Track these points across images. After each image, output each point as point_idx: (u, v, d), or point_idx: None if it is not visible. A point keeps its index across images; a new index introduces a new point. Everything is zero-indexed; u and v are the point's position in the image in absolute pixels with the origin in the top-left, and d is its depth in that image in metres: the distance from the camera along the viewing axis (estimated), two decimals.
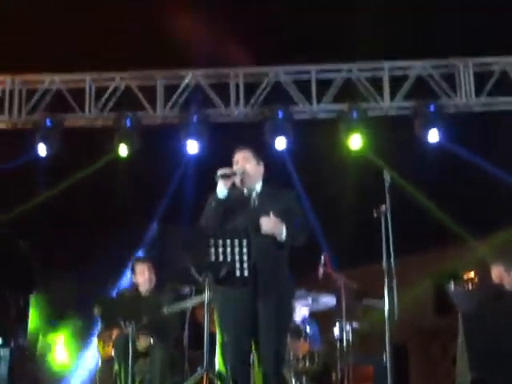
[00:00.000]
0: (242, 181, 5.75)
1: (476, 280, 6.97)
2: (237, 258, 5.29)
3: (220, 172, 5.66)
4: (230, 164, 5.88)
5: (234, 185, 5.74)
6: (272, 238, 5.57)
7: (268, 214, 5.56)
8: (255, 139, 9.80)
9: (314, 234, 9.84)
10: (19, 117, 10.14)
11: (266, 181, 5.94)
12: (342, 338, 8.11)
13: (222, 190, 5.65)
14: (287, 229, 5.57)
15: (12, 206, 9.53)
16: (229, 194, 5.66)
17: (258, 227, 5.58)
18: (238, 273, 5.31)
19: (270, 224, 5.54)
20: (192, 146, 9.93)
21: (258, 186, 5.87)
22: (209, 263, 5.28)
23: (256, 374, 5.66)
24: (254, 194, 5.83)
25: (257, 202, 5.79)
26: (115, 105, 10.09)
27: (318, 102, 10.06)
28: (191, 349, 7.19)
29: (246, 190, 5.82)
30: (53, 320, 9.19)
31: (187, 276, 5.30)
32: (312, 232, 5.97)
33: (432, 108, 9.82)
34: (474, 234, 11.03)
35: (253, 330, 5.57)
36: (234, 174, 5.69)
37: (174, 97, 10.09)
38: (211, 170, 5.76)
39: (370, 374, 8.51)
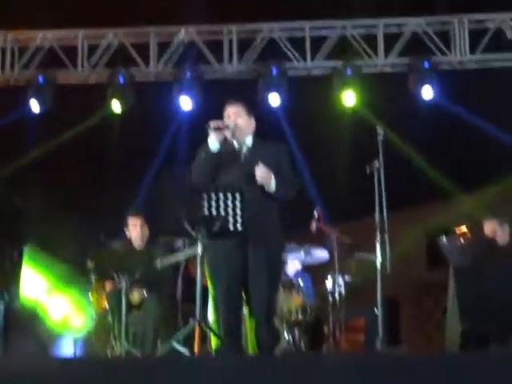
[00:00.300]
0: (233, 134, 5.79)
1: (468, 234, 7.02)
2: (230, 212, 5.35)
3: (212, 124, 5.69)
4: (222, 119, 5.91)
5: (225, 139, 5.78)
6: (262, 191, 5.62)
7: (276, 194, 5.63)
8: (249, 96, 9.78)
9: (304, 189, 9.91)
10: (12, 73, 10.09)
11: (256, 135, 5.96)
12: (334, 292, 8.18)
13: (213, 142, 5.68)
14: (276, 181, 5.61)
15: (4, 162, 9.52)
16: (220, 147, 5.69)
17: (248, 180, 5.63)
18: (231, 227, 5.37)
19: (262, 173, 5.58)
20: (185, 103, 9.93)
21: (249, 140, 5.90)
22: (202, 217, 5.34)
23: (248, 326, 5.73)
24: (244, 148, 5.86)
25: (247, 156, 5.82)
26: (108, 61, 10.04)
27: (312, 58, 10.03)
28: (184, 302, 7.25)
29: (236, 144, 5.85)
30: (48, 273, 9.26)
31: (181, 230, 5.35)
32: (302, 186, 6.03)
33: (426, 65, 9.80)
34: (465, 189, 11.08)
35: (244, 283, 5.65)
36: (227, 127, 5.72)
37: (168, 53, 10.05)
38: (205, 126, 5.79)
39: (361, 326, 8.60)
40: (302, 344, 8.11)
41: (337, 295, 8.11)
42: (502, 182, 11.08)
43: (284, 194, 5.71)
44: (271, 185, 5.61)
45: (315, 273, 8.84)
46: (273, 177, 5.61)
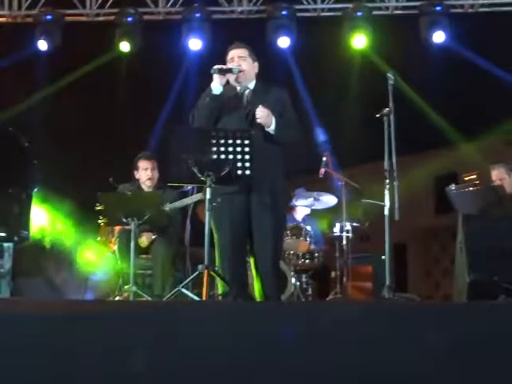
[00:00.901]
0: (237, 78, 5.73)
1: (477, 181, 6.98)
2: (238, 156, 5.32)
3: (217, 66, 5.63)
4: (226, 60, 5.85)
5: (227, 82, 5.73)
6: (264, 134, 5.58)
7: (277, 137, 5.58)
8: (258, 37, 9.68)
9: (307, 135, 9.87)
10: (19, 11, 9.98)
11: (260, 78, 5.90)
12: (342, 237, 8.21)
13: (217, 85, 5.64)
14: (277, 123, 5.56)
15: (12, 101, 9.48)
16: (223, 90, 5.65)
17: (250, 123, 5.59)
18: (239, 171, 5.35)
19: (262, 113, 5.53)
20: (194, 43, 9.85)
21: (252, 84, 5.83)
22: (210, 162, 5.32)
23: (254, 274, 5.74)
24: (246, 92, 5.80)
25: (249, 99, 5.76)
26: (117, 0, 9.92)
27: (323, 0, 9.91)
28: (192, 245, 7.28)
29: (239, 88, 5.79)
30: (58, 214, 9.29)
31: (189, 175, 5.33)
32: (304, 133, 5.93)
33: (438, 8, 9.68)
34: (472, 136, 11.03)
35: (248, 229, 5.63)
36: (231, 70, 5.66)
37: None
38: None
39: (369, 273, 8.65)
40: (310, 289, 8.17)
41: (344, 241, 8.13)
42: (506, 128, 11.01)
43: (286, 136, 5.64)
44: (271, 126, 5.56)
45: (323, 218, 8.87)
46: (273, 118, 5.56)
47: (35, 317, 3.72)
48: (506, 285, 5.53)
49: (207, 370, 3.59)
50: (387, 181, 6.14)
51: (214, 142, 5.33)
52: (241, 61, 5.77)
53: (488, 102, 10.49)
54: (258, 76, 5.91)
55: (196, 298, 5.57)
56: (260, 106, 5.56)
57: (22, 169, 6.32)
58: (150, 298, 6.63)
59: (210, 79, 5.71)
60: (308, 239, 8.20)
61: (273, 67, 6.00)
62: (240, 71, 5.69)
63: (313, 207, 8.55)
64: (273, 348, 3.89)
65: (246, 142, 5.32)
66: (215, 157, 5.33)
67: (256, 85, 5.83)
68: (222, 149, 5.33)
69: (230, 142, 5.32)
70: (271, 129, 5.57)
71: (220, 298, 5.62)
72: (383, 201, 6.38)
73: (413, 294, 9.76)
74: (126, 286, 6.75)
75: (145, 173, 7.44)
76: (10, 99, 9.42)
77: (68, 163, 9.54)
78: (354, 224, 8.34)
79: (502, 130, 11.01)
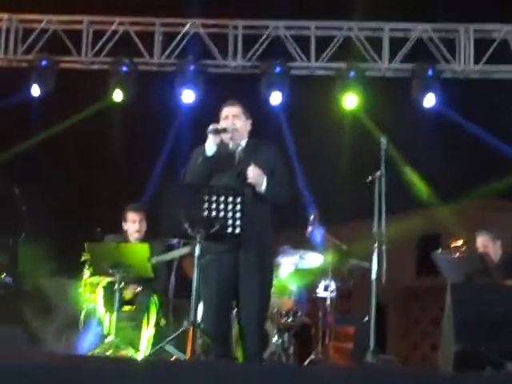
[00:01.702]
0: (231, 137, 5.75)
1: (463, 248, 7.01)
2: (229, 214, 5.33)
3: (212, 127, 5.64)
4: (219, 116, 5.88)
5: (221, 140, 5.75)
6: (254, 193, 5.59)
7: (267, 195, 5.60)
8: (251, 92, 9.77)
9: (299, 194, 9.91)
10: (15, 55, 10.03)
11: (251, 135, 5.93)
12: (326, 297, 8.18)
13: (211, 146, 5.63)
14: (268, 182, 5.58)
15: (3, 145, 9.48)
16: (216, 150, 5.66)
17: (242, 181, 5.59)
18: (229, 230, 5.35)
19: (254, 173, 5.55)
20: (187, 96, 9.90)
21: (244, 142, 5.84)
22: (201, 218, 5.32)
23: (239, 331, 5.71)
24: (238, 149, 5.81)
25: (241, 157, 5.77)
26: (112, 49, 9.99)
27: (317, 59, 10.02)
28: (176, 297, 7.23)
29: (231, 145, 5.80)
30: (41, 262, 9.22)
31: (179, 230, 5.33)
32: (295, 191, 5.96)
33: (430, 72, 9.80)
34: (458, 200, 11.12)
35: (235, 288, 5.60)
36: (225, 130, 5.67)
37: (172, 45, 10.01)
38: (206, 120, 5.75)
39: (351, 334, 8.60)
40: (291, 348, 8.11)
41: (328, 301, 8.10)
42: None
43: (276, 195, 5.64)
44: (262, 185, 5.58)
45: (308, 277, 8.84)
46: (264, 177, 5.58)
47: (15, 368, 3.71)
48: (493, 356, 5.51)
49: None
50: (376, 244, 6.16)
51: (206, 198, 5.34)
52: (235, 119, 5.79)
53: (475, 166, 10.60)
54: (250, 133, 5.94)
55: (180, 353, 5.52)
56: (252, 165, 5.57)
57: (10, 216, 6.30)
58: (131, 352, 6.58)
59: (203, 133, 5.72)
60: (292, 297, 8.16)
61: (265, 124, 6.01)
62: (234, 130, 5.72)
63: (298, 266, 8.52)
64: None
65: (238, 199, 5.34)
66: (206, 213, 5.33)
67: (248, 143, 5.84)
68: (214, 206, 5.33)
69: (222, 199, 5.33)
70: (262, 189, 5.59)
71: (203, 356, 5.59)
72: (369, 261, 6.39)
73: (391, 354, 9.73)
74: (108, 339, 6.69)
75: (133, 225, 7.40)
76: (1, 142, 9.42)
77: (56, 211, 9.51)
78: (339, 284, 8.31)
79: (481, 194, 11.10)
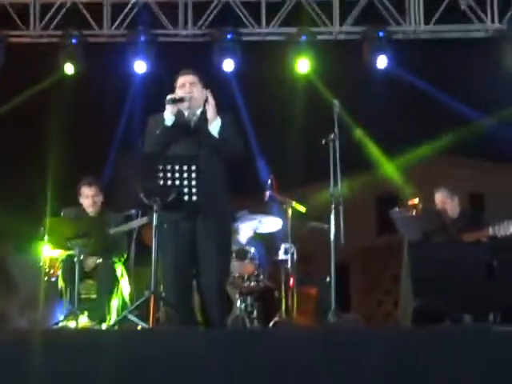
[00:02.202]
0: (188, 106, 5.75)
1: (419, 205, 7.08)
2: (185, 183, 5.35)
3: (170, 96, 5.64)
4: (174, 86, 5.87)
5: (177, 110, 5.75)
6: (211, 158, 5.60)
7: (207, 135, 5.60)
8: (203, 60, 9.74)
9: (251, 156, 9.96)
10: None
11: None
12: (287, 260, 8.24)
13: (169, 116, 5.64)
14: (221, 128, 5.63)
15: None
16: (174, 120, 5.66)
17: (198, 149, 5.62)
18: (186, 197, 5.38)
19: (211, 108, 5.60)
20: (139, 66, 9.83)
21: (199, 111, 5.85)
22: (157, 188, 5.34)
23: (199, 298, 5.75)
24: (194, 118, 5.82)
25: (197, 125, 5.78)
26: (60, 22, 9.86)
27: (268, 24, 9.99)
28: (136, 267, 7.25)
29: (186, 114, 5.80)
30: None
31: (136, 201, 5.35)
32: (243, 147, 5.94)
33: (381, 33, 9.83)
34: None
35: (193, 254, 5.63)
36: (182, 99, 5.67)
37: (122, 15, 9.91)
38: (158, 90, 5.75)
39: (313, 295, 8.70)
40: (255, 312, 8.18)
41: (289, 263, 8.17)
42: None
43: (228, 143, 5.66)
44: (217, 122, 5.62)
45: (268, 241, 8.90)
46: (219, 119, 5.61)
47: None
48: (451, 310, 5.63)
49: None
50: (333, 205, 6.22)
51: (161, 167, 5.35)
52: (192, 87, 5.79)
53: (428, 125, 10.70)
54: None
55: (142, 323, 5.55)
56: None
57: None
58: (94, 323, 6.61)
59: (156, 103, 5.72)
60: (253, 261, 8.22)
61: (217, 91, 6.00)
62: (191, 98, 5.71)
63: (257, 230, 8.58)
64: (217, 375, 3.93)
65: (193, 167, 5.36)
66: (162, 182, 5.35)
67: (203, 111, 5.84)
68: (169, 175, 5.36)
69: (177, 168, 5.35)
70: (215, 128, 5.61)
71: (165, 324, 5.63)
72: (327, 223, 6.47)
73: (355, 313, 9.85)
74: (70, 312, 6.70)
75: (86, 200, 7.38)
76: None
77: (13, 188, 9.44)
78: (299, 246, 8.37)
79: (435, 149, 11.23)
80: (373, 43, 9.89)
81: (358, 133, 9.24)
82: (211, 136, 5.66)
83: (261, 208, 8.71)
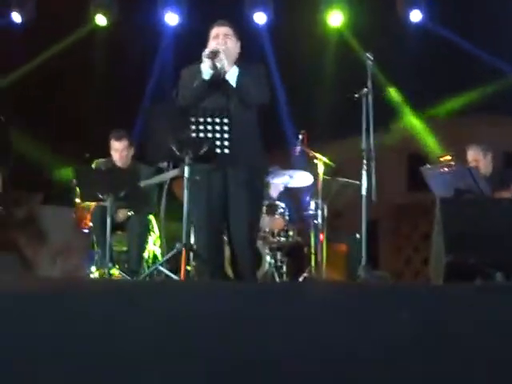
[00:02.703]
0: (222, 58, 5.67)
1: (452, 162, 7.01)
2: (217, 135, 5.32)
3: (208, 50, 5.56)
4: (207, 36, 5.81)
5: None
6: (242, 110, 5.56)
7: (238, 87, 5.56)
8: (234, 12, 9.65)
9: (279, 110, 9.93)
10: None
11: (239, 58, 5.87)
12: (317, 215, 8.23)
13: (207, 70, 5.57)
14: (241, 73, 5.56)
15: None
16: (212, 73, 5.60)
17: (226, 100, 5.58)
18: (218, 150, 5.35)
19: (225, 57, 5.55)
20: (171, 18, 9.79)
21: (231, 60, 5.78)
22: (190, 140, 5.31)
23: (230, 251, 5.74)
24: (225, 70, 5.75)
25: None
26: None
27: None
28: (168, 220, 7.27)
29: (219, 66, 5.71)
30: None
31: (168, 153, 5.33)
32: (269, 93, 5.86)
33: None
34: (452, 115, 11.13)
35: (224, 207, 5.62)
36: (219, 51, 5.59)
37: None
38: (190, 42, 5.69)
39: (343, 251, 8.71)
40: (284, 267, 8.21)
41: (319, 219, 8.15)
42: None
43: (249, 90, 5.56)
44: (233, 75, 5.55)
45: (298, 196, 8.88)
46: (235, 69, 5.56)
47: (5, 295, 3.73)
48: (483, 267, 5.60)
49: (181, 350, 3.63)
50: (365, 161, 6.17)
51: (193, 120, 5.31)
52: (226, 39, 5.73)
53: (464, 80, 10.56)
54: (239, 55, 5.88)
55: (173, 275, 5.58)
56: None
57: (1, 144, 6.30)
58: (125, 275, 6.65)
59: (188, 54, 5.66)
60: (283, 217, 8.22)
61: (249, 45, 5.95)
62: (225, 50, 5.64)
63: (288, 185, 8.56)
64: (250, 329, 3.94)
65: (225, 120, 5.32)
66: (194, 135, 5.32)
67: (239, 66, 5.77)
68: (201, 127, 5.32)
69: (209, 120, 5.31)
70: (232, 77, 5.55)
71: (197, 276, 5.65)
72: (359, 179, 6.42)
73: (384, 270, 9.85)
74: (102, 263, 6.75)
75: (115, 153, 7.39)
76: None
77: (44, 139, 9.46)
78: (329, 202, 8.34)
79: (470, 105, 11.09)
80: None
81: (391, 90, 9.16)
82: (229, 84, 5.62)
83: (290, 163, 8.68)
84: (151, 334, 3.72)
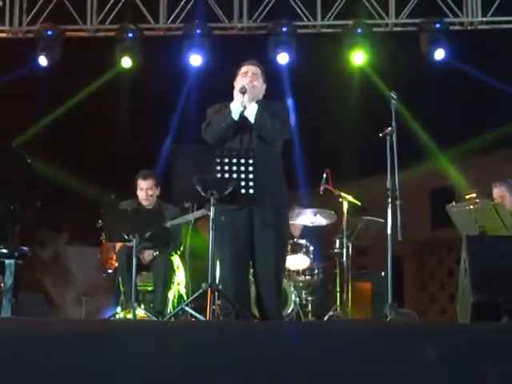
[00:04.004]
0: (249, 97, 5.72)
1: (477, 199, 6.99)
2: (242, 176, 5.34)
3: (241, 87, 5.61)
4: (233, 77, 5.87)
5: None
6: (268, 149, 5.60)
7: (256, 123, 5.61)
8: (257, 53, 9.72)
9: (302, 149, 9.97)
10: (20, 26, 9.99)
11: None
12: (342, 254, 8.22)
13: (238, 107, 5.63)
14: (260, 109, 5.63)
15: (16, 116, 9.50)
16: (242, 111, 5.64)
17: (248, 139, 5.64)
18: (243, 190, 5.37)
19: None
20: (195, 59, 9.87)
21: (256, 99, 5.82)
22: (215, 181, 5.33)
23: (256, 290, 5.74)
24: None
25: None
26: (117, 16, 9.93)
27: (323, 17, 9.94)
28: (193, 260, 7.29)
29: (243, 105, 5.75)
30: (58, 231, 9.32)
31: (193, 194, 5.35)
32: (288, 129, 5.91)
33: (438, 25, 9.74)
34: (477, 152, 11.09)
35: (250, 246, 5.63)
36: (246, 89, 5.64)
37: (178, 9, 9.95)
38: (214, 82, 5.74)
39: (368, 289, 8.67)
40: (309, 306, 8.19)
41: (344, 257, 8.14)
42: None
43: (266, 124, 5.62)
44: (251, 112, 5.61)
45: (323, 235, 8.88)
46: (254, 105, 5.62)
47: (38, 336, 3.74)
48: (510, 306, 5.55)
49: None
50: (389, 199, 6.16)
51: (218, 160, 5.34)
52: (254, 78, 5.79)
53: (487, 117, 10.54)
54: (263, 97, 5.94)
55: (198, 315, 5.57)
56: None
57: (25, 185, 6.33)
58: (151, 315, 6.66)
59: (212, 93, 5.70)
60: (307, 255, 8.22)
61: (272, 84, 6.00)
62: (253, 87, 5.70)
63: (312, 224, 8.56)
64: (275, 367, 3.92)
65: (250, 161, 5.34)
66: (219, 175, 5.34)
67: (259, 103, 5.81)
68: (226, 168, 5.34)
69: (234, 161, 5.34)
70: (250, 113, 5.60)
71: (222, 316, 5.64)
72: (384, 217, 6.40)
73: (409, 308, 9.78)
74: (127, 303, 6.76)
75: (141, 192, 7.45)
76: (12, 115, 9.43)
77: (70, 180, 9.55)
78: (354, 240, 8.34)
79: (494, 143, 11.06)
80: (430, 35, 9.79)
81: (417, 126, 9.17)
82: (248, 121, 5.65)
83: (315, 201, 8.69)
84: (179, 372, 3.73)
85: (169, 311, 6.92)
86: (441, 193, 11.98)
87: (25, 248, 6.31)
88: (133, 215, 6.82)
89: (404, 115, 9.53)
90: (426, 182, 12.67)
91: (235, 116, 5.64)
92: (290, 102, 8.61)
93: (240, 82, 5.78)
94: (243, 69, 5.85)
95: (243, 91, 5.59)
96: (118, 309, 7.02)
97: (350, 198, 8.11)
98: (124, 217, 6.81)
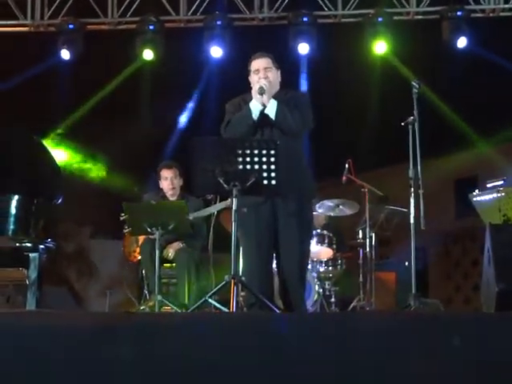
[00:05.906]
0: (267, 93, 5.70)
1: (501, 188, 6.93)
2: (264, 167, 5.33)
3: (259, 88, 5.59)
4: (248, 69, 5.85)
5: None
6: (289, 140, 5.58)
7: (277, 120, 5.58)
8: (278, 44, 9.70)
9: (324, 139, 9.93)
10: (42, 20, 10.02)
11: (281, 87, 5.89)
12: (365, 244, 8.20)
13: (257, 106, 5.62)
14: (280, 105, 5.59)
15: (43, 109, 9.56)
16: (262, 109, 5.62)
17: (271, 132, 5.62)
18: (265, 181, 5.36)
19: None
20: (216, 51, 9.86)
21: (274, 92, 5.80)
22: (237, 172, 5.33)
23: (280, 281, 5.74)
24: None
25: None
26: (138, 9, 9.93)
27: (344, 7, 9.89)
28: (215, 252, 7.30)
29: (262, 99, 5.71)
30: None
31: (216, 185, 5.35)
32: (309, 128, 5.88)
33: (459, 13, 9.66)
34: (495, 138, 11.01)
35: (274, 237, 5.62)
36: (264, 90, 5.62)
37: (198, 0, 9.94)
38: (235, 74, 5.73)
39: (392, 279, 8.65)
40: (333, 296, 8.18)
41: (367, 248, 8.13)
42: None
43: (287, 118, 5.59)
44: (271, 109, 5.58)
45: (346, 225, 8.86)
46: (273, 103, 5.59)
47: (63, 329, 3.76)
48: None
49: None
50: (412, 189, 6.13)
51: (240, 152, 5.33)
52: (267, 71, 5.76)
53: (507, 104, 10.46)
54: (281, 83, 5.91)
55: (222, 307, 5.58)
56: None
57: (49, 179, 6.37)
58: (175, 307, 6.67)
59: (232, 85, 5.69)
60: (331, 246, 8.21)
61: (293, 74, 5.98)
62: (269, 83, 5.67)
63: (335, 215, 8.55)
64: (300, 359, 3.91)
65: (272, 152, 5.33)
66: (241, 167, 5.33)
67: (277, 95, 5.79)
68: (248, 159, 5.33)
69: (256, 152, 5.33)
70: (270, 110, 5.58)
71: (246, 307, 5.64)
72: (407, 207, 6.38)
73: (434, 298, 9.74)
74: (150, 295, 6.79)
75: (166, 182, 7.47)
76: (35, 107, 9.48)
77: (91, 172, 9.60)
78: (377, 230, 8.32)
79: None
80: (451, 23, 9.71)
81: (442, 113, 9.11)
82: (269, 118, 5.64)
83: (338, 192, 8.67)
84: (204, 363, 3.73)
85: (193, 303, 6.92)
86: (464, 182, 11.89)
87: (49, 242, 6.35)
88: (155, 208, 6.83)
89: (430, 104, 9.49)
90: (451, 172, 12.59)
91: (255, 115, 5.62)
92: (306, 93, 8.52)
93: (254, 80, 5.76)
94: (253, 65, 5.81)
95: (262, 92, 5.58)
96: (142, 301, 7.04)
97: (371, 187, 8.08)
98: (147, 210, 6.82)
